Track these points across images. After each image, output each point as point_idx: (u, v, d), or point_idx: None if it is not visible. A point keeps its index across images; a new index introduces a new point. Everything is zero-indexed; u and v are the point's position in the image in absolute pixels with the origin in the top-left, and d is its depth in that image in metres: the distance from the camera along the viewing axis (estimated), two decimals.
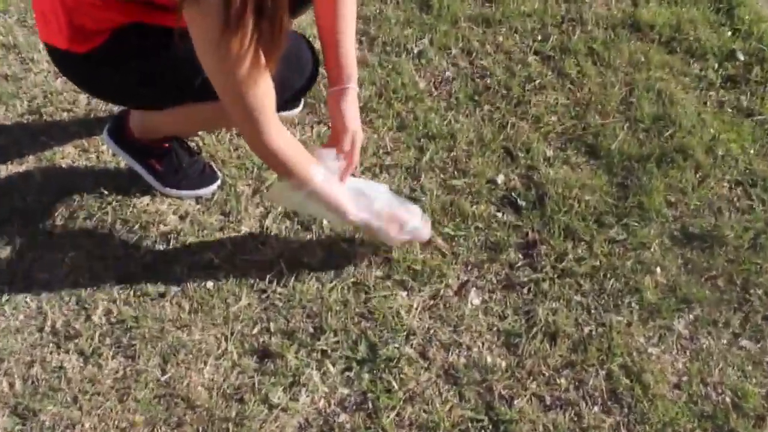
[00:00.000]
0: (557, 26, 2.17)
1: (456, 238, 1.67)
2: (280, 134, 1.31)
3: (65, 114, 1.90)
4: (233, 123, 1.38)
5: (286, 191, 1.43)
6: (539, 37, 2.13)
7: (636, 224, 1.72)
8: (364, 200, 1.49)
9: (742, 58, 2.13)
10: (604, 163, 1.84)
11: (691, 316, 1.59)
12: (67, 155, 1.81)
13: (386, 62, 2.03)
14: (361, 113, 1.90)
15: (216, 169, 1.75)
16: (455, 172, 1.80)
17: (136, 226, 1.67)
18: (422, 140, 1.86)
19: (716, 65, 2.11)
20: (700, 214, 1.76)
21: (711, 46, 2.15)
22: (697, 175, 1.83)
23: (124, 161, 1.73)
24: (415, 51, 2.07)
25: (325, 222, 1.68)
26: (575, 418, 1.44)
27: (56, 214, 1.69)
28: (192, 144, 1.78)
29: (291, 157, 1.34)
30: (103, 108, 1.89)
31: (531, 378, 1.48)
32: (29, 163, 1.79)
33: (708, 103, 2.02)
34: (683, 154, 1.86)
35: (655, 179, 1.80)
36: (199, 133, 1.84)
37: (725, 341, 1.56)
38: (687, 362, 1.52)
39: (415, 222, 1.53)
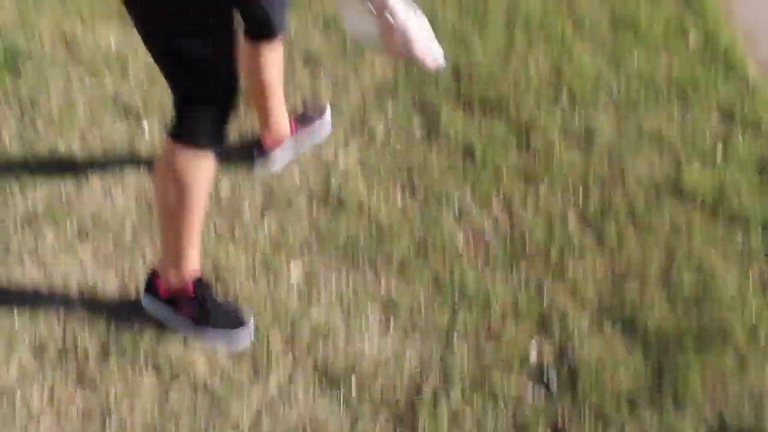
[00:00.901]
0: (599, 186, 2.18)
1: (484, 414, 1.65)
2: None
3: (111, 242, 1.94)
4: None
5: None
6: (580, 196, 2.14)
7: (670, 411, 1.67)
8: None
9: None
10: (640, 339, 1.81)
11: None
12: (108, 285, 1.84)
13: (426, 214, 2.05)
14: (397, 268, 1.92)
15: (246, 318, 1.76)
16: (488, 340, 1.79)
17: (167, 374, 1.68)
18: (456, 302, 1.86)
19: (759, 235, 2.09)
20: (740, 403, 1.71)
21: (755, 214, 2.13)
22: (737, 360, 1.78)
23: (160, 317, 1.76)
24: (456, 204, 2.09)
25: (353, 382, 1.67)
26: None
27: (89, 348, 1.71)
28: (213, 284, 1.81)
29: None
30: (146, 241, 1.94)
31: None
32: (71, 290, 1.83)
33: (750, 276, 1.99)
34: (722, 335, 1.82)
35: (693, 361, 1.76)
36: (239, 281, 1.86)
37: None
38: None
39: (435, 47, 1.33)
